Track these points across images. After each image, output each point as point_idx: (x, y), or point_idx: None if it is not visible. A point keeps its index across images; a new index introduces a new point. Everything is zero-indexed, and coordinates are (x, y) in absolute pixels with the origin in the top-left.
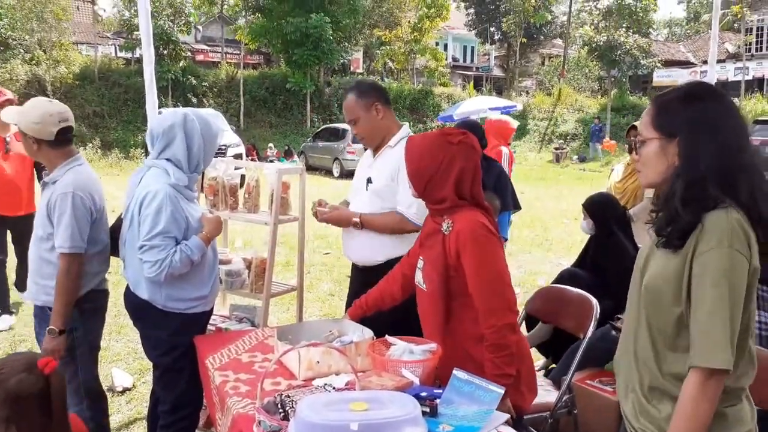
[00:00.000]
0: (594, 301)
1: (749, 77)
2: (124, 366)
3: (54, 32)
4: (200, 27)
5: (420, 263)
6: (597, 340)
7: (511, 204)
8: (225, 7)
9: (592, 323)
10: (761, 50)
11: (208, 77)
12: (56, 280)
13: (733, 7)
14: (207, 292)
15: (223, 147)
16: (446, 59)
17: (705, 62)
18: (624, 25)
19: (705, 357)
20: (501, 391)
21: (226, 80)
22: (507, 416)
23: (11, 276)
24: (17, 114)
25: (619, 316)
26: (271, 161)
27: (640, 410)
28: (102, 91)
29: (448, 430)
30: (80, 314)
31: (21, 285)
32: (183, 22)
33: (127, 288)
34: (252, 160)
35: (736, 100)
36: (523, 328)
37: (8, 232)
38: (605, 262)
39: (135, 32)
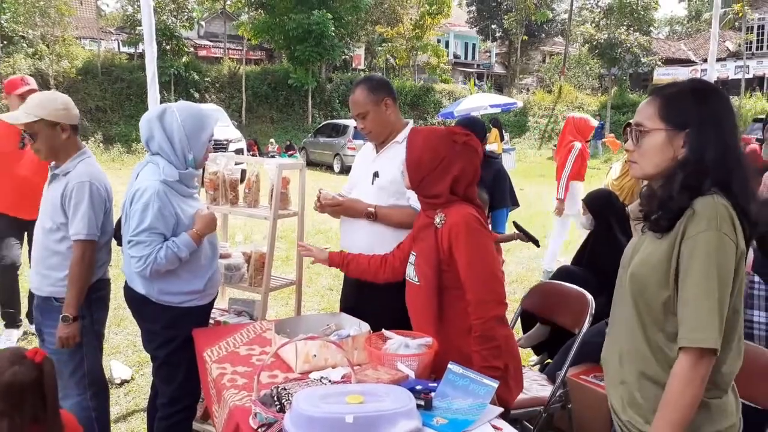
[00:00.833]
0: (589, 296)
1: (749, 76)
2: (123, 359)
3: (57, 27)
4: (203, 23)
5: (412, 258)
6: (593, 335)
7: (509, 201)
8: (228, 3)
9: (587, 319)
10: (762, 49)
11: (211, 73)
12: (70, 269)
13: (735, 5)
14: (201, 286)
15: (225, 142)
16: (447, 56)
17: (705, 60)
18: (625, 23)
19: (693, 337)
20: (495, 384)
21: (228, 76)
22: (501, 410)
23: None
24: (37, 107)
25: None
26: (272, 156)
27: (629, 402)
28: (105, 85)
29: (442, 423)
30: (88, 303)
31: None
32: (186, 17)
33: (126, 282)
34: (253, 155)
35: (736, 98)
36: (519, 325)
37: (25, 235)
38: (603, 256)
39: (138, 27)
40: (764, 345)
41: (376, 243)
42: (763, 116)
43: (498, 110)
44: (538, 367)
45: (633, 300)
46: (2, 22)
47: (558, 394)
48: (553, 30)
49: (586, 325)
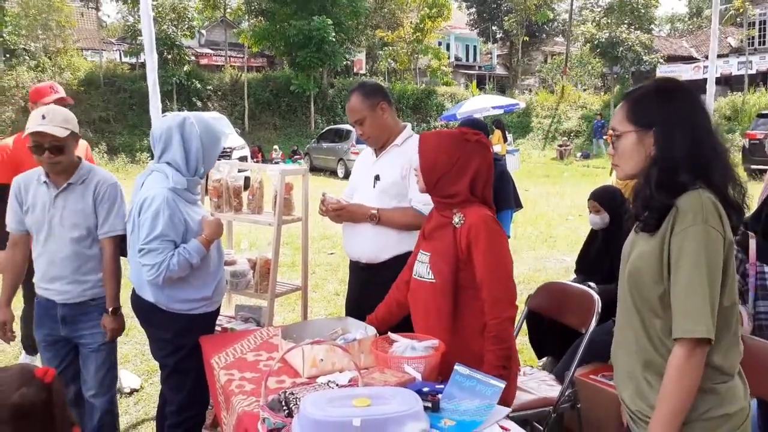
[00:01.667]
0: (595, 296)
1: (752, 71)
2: (132, 367)
3: (59, 39)
4: (204, 31)
5: (423, 257)
6: (600, 334)
7: (513, 202)
8: (228, 11)
9: (594, 318)
10: (764, 44)
11: (213, 81)
12: (108, 265)
13: (735, 1)
14: (210, 293)
15: (228, 150)
16: (449, 58)
17: (708, 57)
18: (626, 22)
19: (686, 328)
20: (502, 385)
21: (230, 83)
22: (508, 410)
23: None
24: (65, 121)
25: None
26: (277, 163)
27: (637, 393)
28: (107, 96)
29: (450, 425)
30: None
31: None
32: (186, 26)
33: (133, 291)
34: (257, 162)
35: (740, 94)
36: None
37: None
38: (616, 252)
39: (139, 37)
40: (766, 336)
41: (380, 246)
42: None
43: (500, 111)
44: (542, 367)
45: (631, 295)
46: (4, 35)
47: (567, 394)
48: (554, 30)
49: (593, 324)
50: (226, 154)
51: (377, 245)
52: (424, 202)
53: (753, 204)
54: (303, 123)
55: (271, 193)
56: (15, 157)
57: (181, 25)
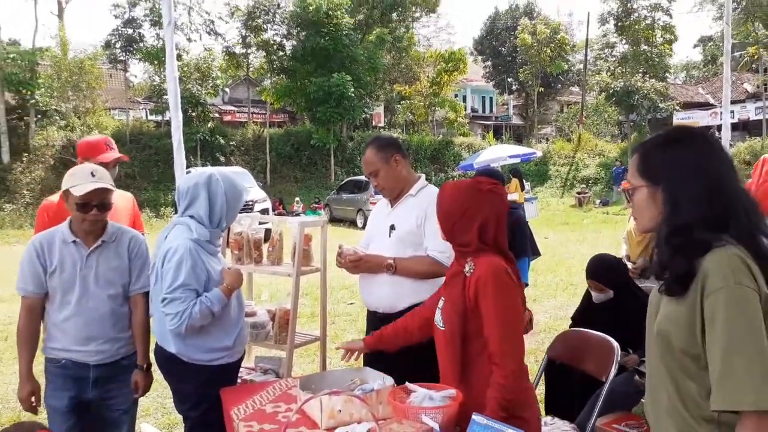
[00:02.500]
0: (615, 344)
1: None
2: (153, 421)
3: (88, 99)
4: (227, 89)
5: (441, 303)
6: (620, 384)
7: (530, 250)
8: (251, 69)
9: (614, 366)
10: None
11: (236, 136)
12: (139, 321)
13: (749, 48)
14: (231, 342)
15: (250, 203)
16: (465, 110)
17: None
18: (640, 71)
19: (730, 399)
20: None
21: (252, 139)
22: None
23: None
24: (108, 178)
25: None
26: (298, 214)
27: None
28: (133, 153)
29: None
30: None
31: None
32: (211, 85)
33: (156, 343)
34: (279, 214)
35: (758, 139)
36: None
37: None
38: (633, 313)
39: (164, 96)
40: None
41: (398, 295)
42: None
43: (518, 160)
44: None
45: (661, 356)
46: (37, 97)
47: None
48: (569, 80)
49: (613, 371)
50: (248, 207)
51: (394, 294)
52: (440, 250)
53: None
54: (323, 175)
55: (291, 244)
56: (60, 215)
57: (205, 84)
